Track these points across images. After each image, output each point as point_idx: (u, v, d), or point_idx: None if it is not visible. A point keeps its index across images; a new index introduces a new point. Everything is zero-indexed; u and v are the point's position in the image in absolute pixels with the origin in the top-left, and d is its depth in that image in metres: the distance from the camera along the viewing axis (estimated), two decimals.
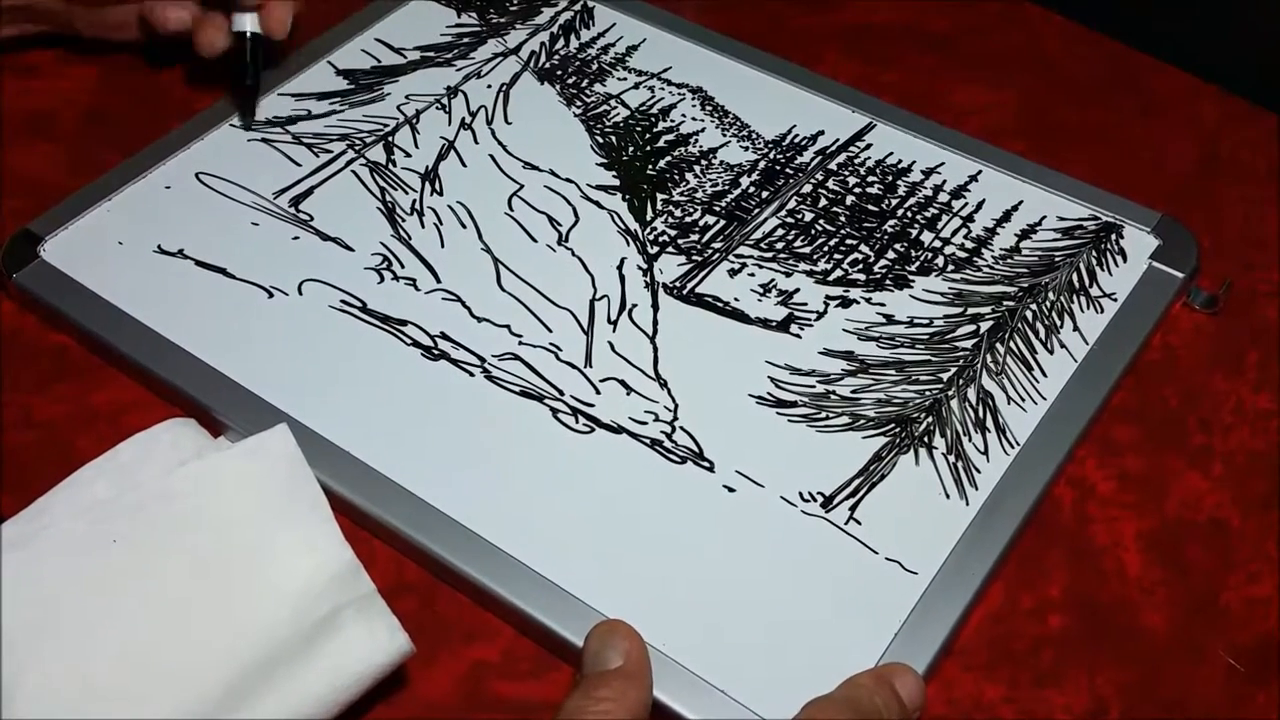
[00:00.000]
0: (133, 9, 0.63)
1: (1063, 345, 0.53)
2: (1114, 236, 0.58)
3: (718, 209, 0.59)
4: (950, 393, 0.52)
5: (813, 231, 0.58)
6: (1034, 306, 0.55)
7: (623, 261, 0.57)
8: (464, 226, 0.58)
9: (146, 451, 0.48)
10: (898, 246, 0.57)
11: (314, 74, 0.65)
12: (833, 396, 0.52)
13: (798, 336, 0.54)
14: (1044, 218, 0.59)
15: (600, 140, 0.62)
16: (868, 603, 0.45)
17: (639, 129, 0.63)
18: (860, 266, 0.57)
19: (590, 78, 0.66)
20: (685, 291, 0.55)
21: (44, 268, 0.55)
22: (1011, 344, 0.53)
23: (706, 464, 0.49)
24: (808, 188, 0.60)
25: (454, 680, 0.45)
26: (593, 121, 0.63)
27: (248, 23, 0.61)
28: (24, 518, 0.45)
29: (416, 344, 0.53)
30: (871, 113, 0.63)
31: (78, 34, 0.65)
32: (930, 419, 0.51)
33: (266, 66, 0.63)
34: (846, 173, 0.61)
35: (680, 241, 0.57)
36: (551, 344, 0.53)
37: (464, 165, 0.61)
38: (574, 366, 0.52)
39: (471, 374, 0.52)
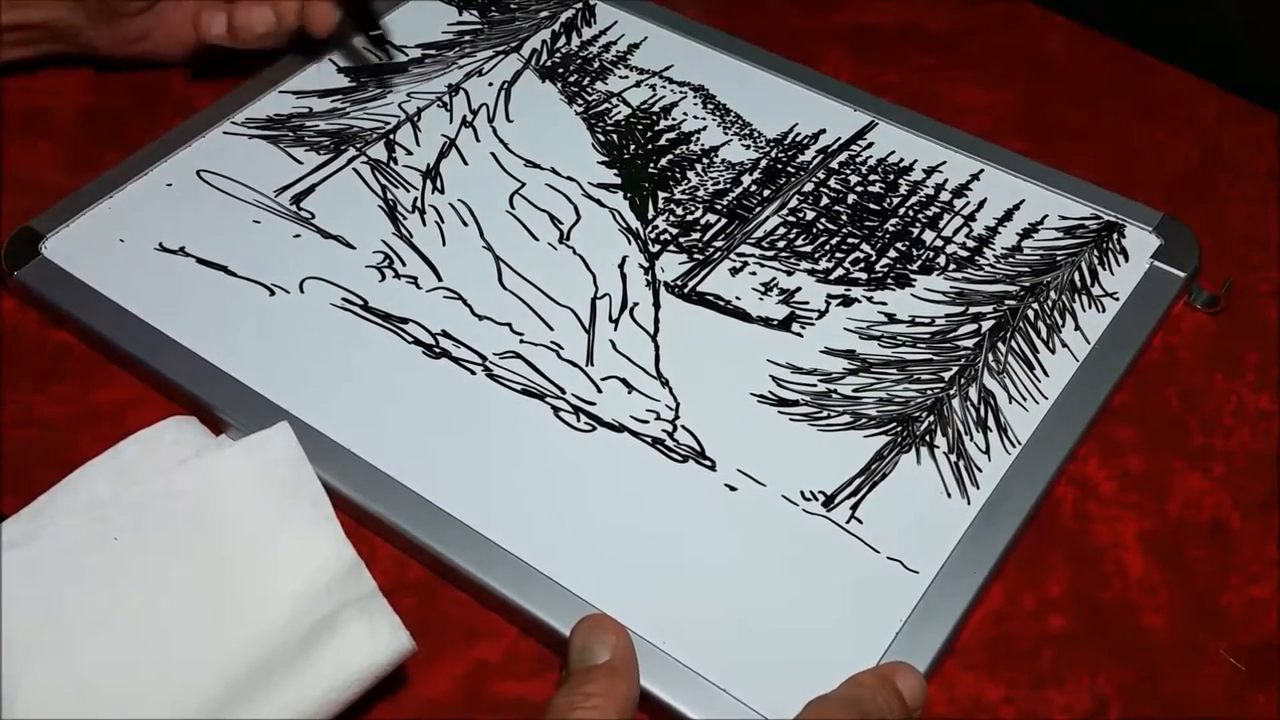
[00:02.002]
0: (151, 17, 0.63)
1: (1064, 344, 0.53)
2: (1115, 236, 0.58)
3: (719, 207, 0.59)
4: (952, 392, 0.52)
5: (814, 230, 0.58)
6: (1035, 305, 0.55)
7: (624, 260, 0.57)
8: (465, 225, 0.58)
9: (147, 450, 0.48)
10: (899, 245, 0.57)
11: (315, 72, 0.65)
12: (834, 395, 0.52)
13: (799, 335, 0.54)
14: (1045, 217, 0.59)
15: (602, 138, 0.62)
16: (869, 602, 0.45)
17: (640, 127, 0.63)
18: (862, 265, 0.57)
19: (591, 76, 0.66)
20: (687, 290, 0.55)
21: (45, 265, 0.55)
22: (1013, 343, 0.53)
23: (708, 463, 0.49)
24: (809, 186, 0.60)
25: (455, 680, 0.44)
26: (594, 120, 0.63)
27: None
28: (24, 516, 0.45)
29: (418, 342, 0.53)
30: (873, 111, 0.63)
31: (97, 53, 0.64)
32: (932, 418, 0.51)
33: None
34: (848, 171, 0.61)
35: (682, 240, 0.57)
36: (553, 342, 0.53)
37: (465, 163, 0.61)
38: (575, 365, 0.52)
39: (473, 372, 0.52)
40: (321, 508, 0.46)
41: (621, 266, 0.56)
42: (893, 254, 0.57)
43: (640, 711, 0.42)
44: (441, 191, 0.59)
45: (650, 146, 0.62)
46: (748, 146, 0.62)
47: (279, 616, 0.43)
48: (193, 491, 0.45)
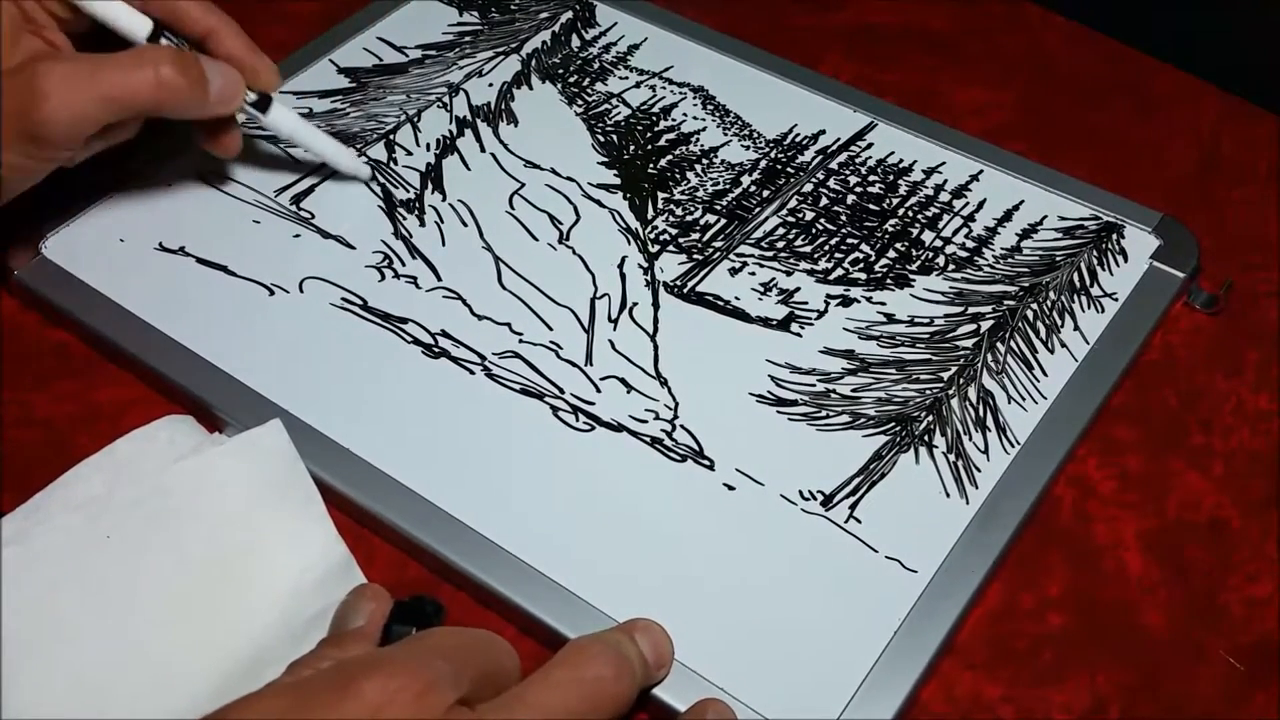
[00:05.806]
0: None
1: (1063, 345, 0.53)
2: (1115, 236, 0.58)
3: (719, 208, 0.59)
4: (951, 392, 0.52)
5: (814, 230, 0.58)
6: (1035, 306, 0.55)
7: (623, 260, 0.57)
8: (465, 225, 0.58)
9: (142, 448, 0.48)
10: (899, 245, 0.57)
11: (315, 72, 0.65)
12: (833, 395, 0.51)
13: (798, 335, 0.54)
14: (1045, 217, 0.59)
15: (601, 139, 0.62)
16: (867, 600, 0.45)
17: (640, 128, 0.63)
18: (861, 265, 0.57)
19: (591, 77, 0.66)
20: (686, 290, 0.55)
21: (45, 264, 0.55)
22: (1012, 343, 0.53)
23: (706, 462, 0.49)
24: (809, 187, 0.60)
25: None
26: (594, 120, 0.63)
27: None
28: (20, 514, 0.46)
29: (417, 341, 0.53)
30: (873, 112, 0.63)
31: None
32: (930, 418, 0.51)
33: None
34: (847, 172, 0.61)
35: (681, 240, 0.57)
36: (552, 342, 0.53)
37: (465, 164, 0.61)
38: (574, 365, 0.52)
39: (472, 372, 0.52)
40: (313, 504, 0.46)
41: (621, 267, 0.56)
42: (892, 254, 0.57)
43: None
44: (441, 192, 0.59)
45: (650, 147, 0.62)
46: (747, 147, 0.62)
47: (270, 613, 0.43)
48: (185, 489, 0.45)
